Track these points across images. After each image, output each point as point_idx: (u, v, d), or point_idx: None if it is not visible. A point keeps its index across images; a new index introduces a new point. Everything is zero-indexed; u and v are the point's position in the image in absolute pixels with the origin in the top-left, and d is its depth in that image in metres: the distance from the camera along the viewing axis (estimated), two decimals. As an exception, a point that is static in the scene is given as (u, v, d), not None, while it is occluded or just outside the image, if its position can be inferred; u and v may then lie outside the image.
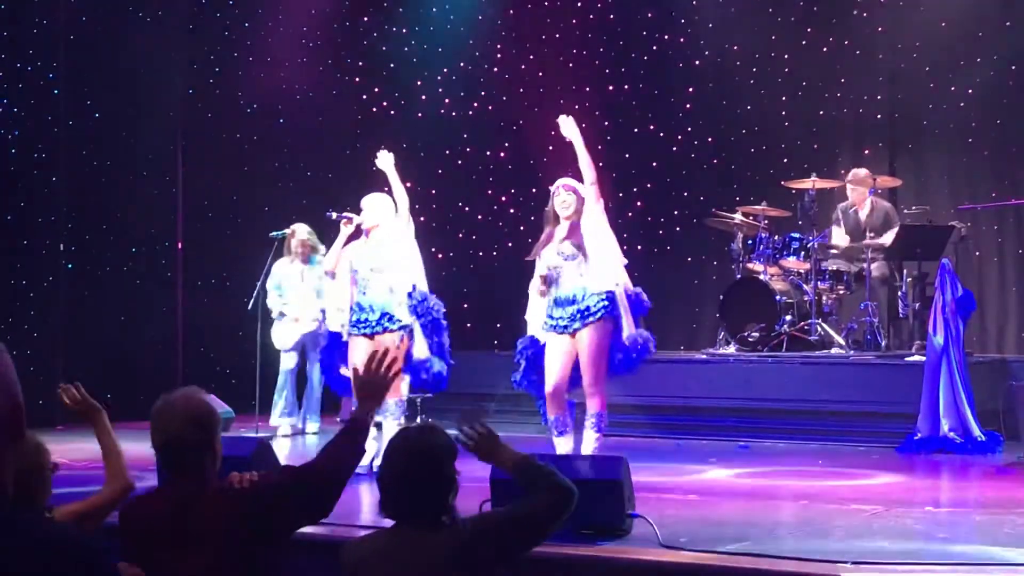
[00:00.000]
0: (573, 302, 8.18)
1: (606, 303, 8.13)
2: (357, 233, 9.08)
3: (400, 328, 8.72)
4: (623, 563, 5.95)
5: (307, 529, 4.36)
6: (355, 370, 4.22)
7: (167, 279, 13.36)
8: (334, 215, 9.38)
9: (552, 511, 3.96)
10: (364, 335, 8.77)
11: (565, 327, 8.17)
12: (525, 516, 3.95)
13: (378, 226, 8.93)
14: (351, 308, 8.89)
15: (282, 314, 11.42)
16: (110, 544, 2.14)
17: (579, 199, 8.40)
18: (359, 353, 8.46)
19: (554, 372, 8.19)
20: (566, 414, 8.27)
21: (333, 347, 9.24)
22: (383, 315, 8.76)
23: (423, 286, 8.91)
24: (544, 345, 8.31)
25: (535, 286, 8.46)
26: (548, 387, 8.19)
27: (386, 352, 4.17)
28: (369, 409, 4.08)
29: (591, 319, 8.11)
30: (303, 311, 11.38)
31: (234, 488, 3.85)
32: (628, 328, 8.22)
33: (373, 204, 9.03)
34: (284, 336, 11.47)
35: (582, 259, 8.23)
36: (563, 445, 8.22)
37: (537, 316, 8.46)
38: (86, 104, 12.96)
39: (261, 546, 3.84)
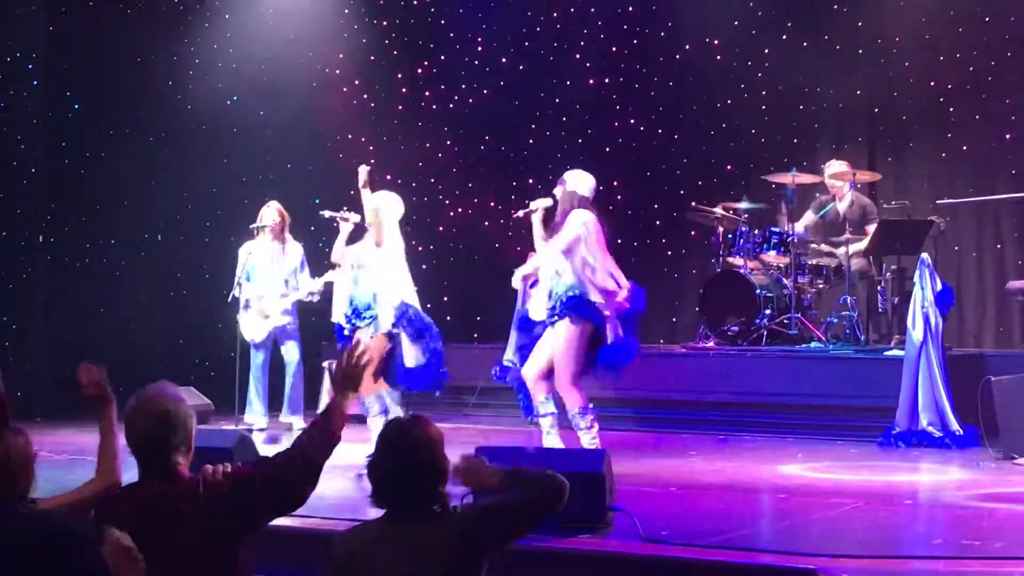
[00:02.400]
0: (549, 296, 8.35)
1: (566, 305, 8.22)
2: (362, 229, 9.15)
3: (371, 325, 8.77)
4: (604, 556, 5.96)
5: (283, 521, 4.37)
6: (329, 365, 4.28)
7: (146, 271, 13.33)
8: (327, 214, 9.41)
9: (544, 502, 3.99)
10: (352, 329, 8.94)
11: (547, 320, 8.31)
12: (518, 506, 3.97)
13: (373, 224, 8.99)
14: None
15: (247, 303, 11.10)
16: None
17: (563, 192, 8.47)
18: None
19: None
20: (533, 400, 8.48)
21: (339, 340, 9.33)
22: (355, 312, 8.82)
23: (406, 298, 8.91)
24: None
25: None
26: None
27: (357, 343, 4.28)
28: (344, 398, 4.11)
29: (555, 317, 8.27)
30: (272, 303, 11.10)
31: (207, 482, 3.87)
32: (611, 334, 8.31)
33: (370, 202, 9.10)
34: (253, 329, 11.15)
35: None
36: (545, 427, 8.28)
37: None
38: (65, 95, 12.91)
39: (235, 538, 3.85)
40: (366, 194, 8.94)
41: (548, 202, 8.76)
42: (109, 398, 4.45)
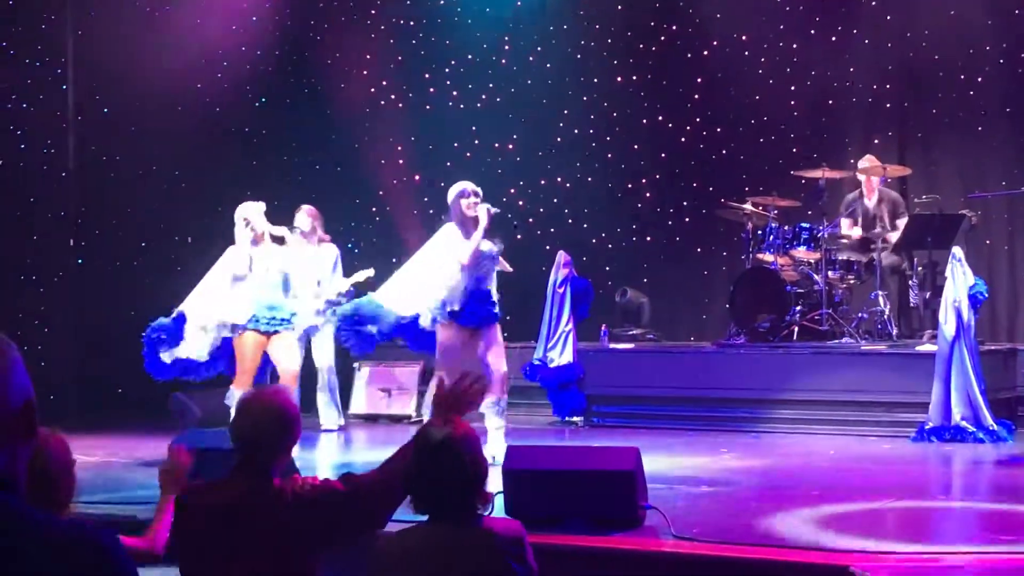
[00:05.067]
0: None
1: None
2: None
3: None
4: (636, 554, 5.95)
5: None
6: (440, 379, 4.24)
7: (177, 273, 13.35)
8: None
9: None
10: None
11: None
12: None
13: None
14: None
15: None
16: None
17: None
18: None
19: None
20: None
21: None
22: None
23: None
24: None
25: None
26: None
27: (479, 376, 4.18)
28: (446, 422, 3.95)
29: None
30: (304, 304, 11.05)
31: (298, 487, 3.87)
32: None
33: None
34: None
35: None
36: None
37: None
38: (95, 99, 12.96)
39: (313, 549, 3.84)
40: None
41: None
42: (182, 486, 4.30)
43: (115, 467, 8.79)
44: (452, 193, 8.67)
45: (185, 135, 13.52)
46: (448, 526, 3.78)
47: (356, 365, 12.45)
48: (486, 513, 3.92)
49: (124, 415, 12.00)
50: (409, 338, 9.01)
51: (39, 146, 12.65)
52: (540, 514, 6.26)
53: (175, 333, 9.26)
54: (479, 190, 8.67)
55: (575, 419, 11.33)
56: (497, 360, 8.53)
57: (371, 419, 12.22)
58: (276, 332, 9.10)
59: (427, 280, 8.67)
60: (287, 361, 9.10)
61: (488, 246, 8.56)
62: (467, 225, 8.54)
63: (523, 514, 6.23)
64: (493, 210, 8.62)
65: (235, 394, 8.86)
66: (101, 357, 12.55)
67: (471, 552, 3.73)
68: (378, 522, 4.02)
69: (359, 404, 12.39)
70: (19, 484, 2.11)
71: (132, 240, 13.18)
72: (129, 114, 13.07)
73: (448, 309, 8.47)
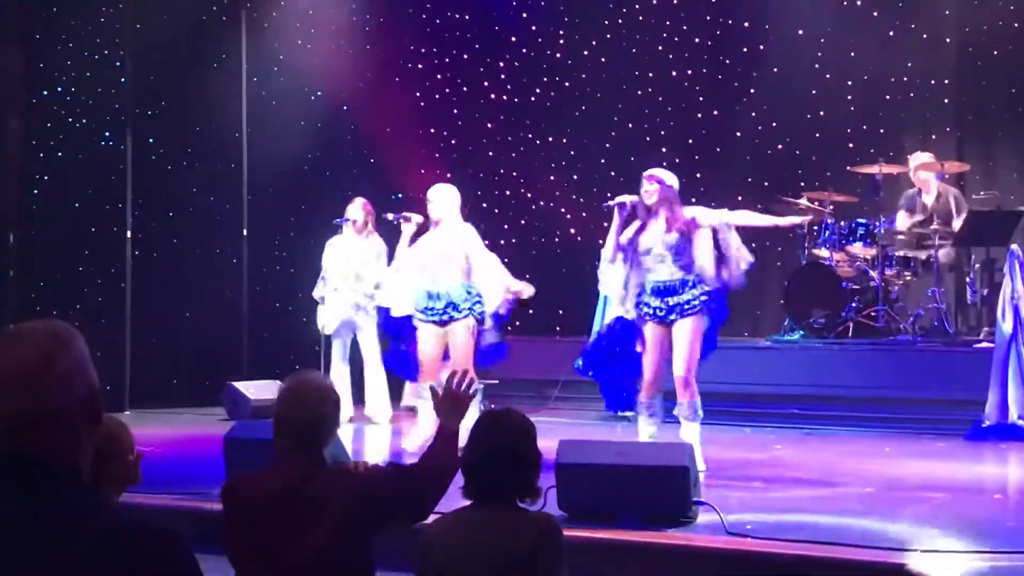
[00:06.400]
0: (673, 292, 8.17)
1: (705, 298, 8.13)
2: (424, 229, 9.22)
3: (467, 316, 8.88)
4: (689, 550, 5.94)
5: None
6: (433, 390, 4.31)
7: (232, 265, 13.46)
8: (391, 216, 9.50)
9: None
10: (433, 322, 8.98)
11: (663, 317, 8.17)
12: None
13: (443, 218, 9.04)
14: (425, 295, 9.04)
15: (323, 298, 11.15)
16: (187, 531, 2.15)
17: (662, 188, 8.33)
18: (428, 340, 8.97)
19: (652, 358, 8.22)
20: (659, 399, 8.26)
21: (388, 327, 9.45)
22: (448, 304, 8.90)
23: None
24: (623, 329, 8.39)
25: (607, 262, 8.45)
26: (647, 373, 8.21)
27: (465, 372, 4.27)
28: (453, 423, 4.14)
29: (690, 312, 8.11)
30: (348, 296, 11.08)
31: (347, 470, 3.97)
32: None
33: (438, 195, 9.13)
34: (328, 322, 11.15)
35: (684, 252, 8.19)
36: (648, 428, 8.20)
37: (616, 292, 8.46)
38: (153, 92, 13.06)
39: (370, 530, 3.88)
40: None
41: (636, 198, 8.65)
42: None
43: (168, 459, 8.85)
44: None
45: (240, 129, 13.59)
46: (490, 512, 3.84)
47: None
48: (535, 507, 3.96)
49: (177, 406, 12.11)
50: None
51: (97, 138, 12.76)
52: (592, 508, 6.27)
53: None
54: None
55: (627, 414, 11.31)
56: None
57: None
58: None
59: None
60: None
61: None
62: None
63: (575, 508, 6.25)
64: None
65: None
66: (158, 349, 12.67)
67: (509, 538, 3.76)
68: (424, 512, 4.09)
69: (410, 397, 12.39)
70: (83, 472, 2.14)
71: (189, 233, 13.27)
72: (185, 109, 13.14)
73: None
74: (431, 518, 4.04)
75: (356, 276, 11.07)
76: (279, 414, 3.96)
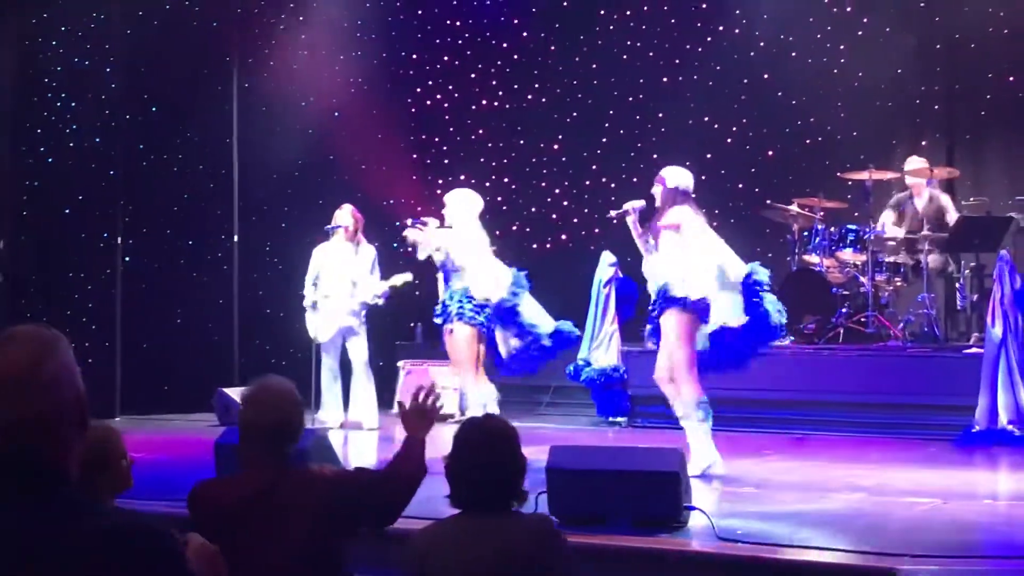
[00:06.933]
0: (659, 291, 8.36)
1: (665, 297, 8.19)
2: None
3: (470, 321, 8.97)
4: (679, 555, 5.94)
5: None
6: (400, 403, 4.33)
7: (223, 272, 13.45)
8: (409, 222, 9.57)
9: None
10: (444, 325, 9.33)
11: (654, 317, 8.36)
12: None
13: (453, 223, 9.32)
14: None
15: (315, 304, 11.13)
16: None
17: (664, 189, 8.37)
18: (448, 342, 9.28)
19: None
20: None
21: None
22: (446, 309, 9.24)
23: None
24: None
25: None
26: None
27: (432, 387, 4.32)
28: (420, 437, 4.21)
29: (658, 310, 8.25)
30: (339, 304, 11.09)
31: (315, 473, 3.97)
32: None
33: (448, 200, 9.45)
34: (319, 329, 11.12)
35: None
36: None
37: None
38: (142, 98, 13.05)
39: (339, 534, 3.90)
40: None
41: (641, 203, 8.67)
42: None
43: (159, 464, 8.82)
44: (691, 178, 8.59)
45: (231, 135, 13.58)
46: (481, 518, 3.83)
47: (400, 364, 12.48)
48: (521, 509, 3.96)
49: (168, 412, 12.09)
50: None
51: (87, 144, 12.74)
52: (583, 513, 6.26)
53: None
54: None
55: (619, 419, 11.32)
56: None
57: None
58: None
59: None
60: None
61: None
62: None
63: (566, 513, 6.24)
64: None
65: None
66: (147, 355, 12.66)
67: (504, 542, 3.76)
68: (391, 516, 4.15)
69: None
70: (70, 476, 2.14)
71: (179, 239, 13.26)
72: (176, 114, 13.14)
73: None
74: (419, 529, 4.02)
75: (352, 284, 11.07)
76: (243, 420, 3.96)
